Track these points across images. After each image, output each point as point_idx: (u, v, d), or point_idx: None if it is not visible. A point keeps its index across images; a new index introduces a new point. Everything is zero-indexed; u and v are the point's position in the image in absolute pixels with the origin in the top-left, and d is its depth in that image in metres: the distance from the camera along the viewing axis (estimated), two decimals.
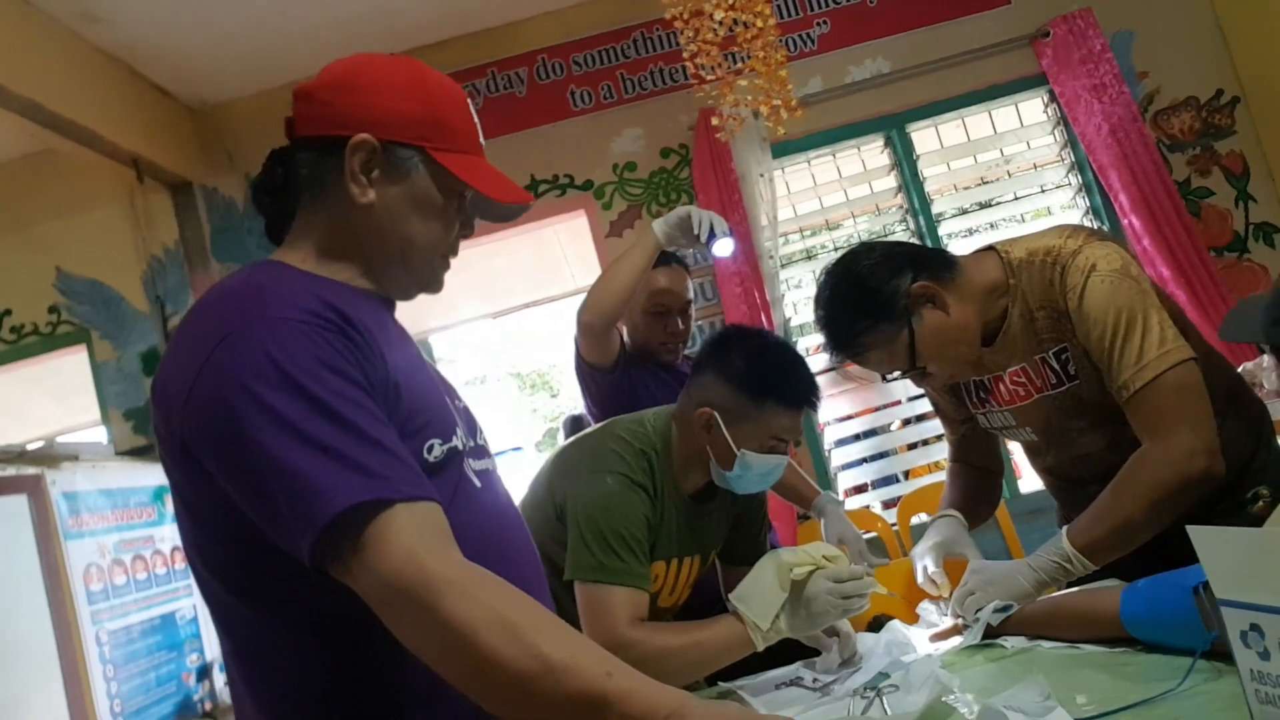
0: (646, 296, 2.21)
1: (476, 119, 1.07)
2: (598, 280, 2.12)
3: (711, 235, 2.04)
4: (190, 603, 2.90)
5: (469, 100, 1.07)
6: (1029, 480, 3.56)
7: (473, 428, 1.09)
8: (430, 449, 0.95)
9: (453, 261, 1.10)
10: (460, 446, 0.99)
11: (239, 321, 0.88)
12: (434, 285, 1.09)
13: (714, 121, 2.85)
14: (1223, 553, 0.78)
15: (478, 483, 1.02)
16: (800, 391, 1.49)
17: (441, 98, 1.03)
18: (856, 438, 3.76)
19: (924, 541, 1.64)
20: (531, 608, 0.84)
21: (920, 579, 1.59)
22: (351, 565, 0.82)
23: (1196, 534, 0.79)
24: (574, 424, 4.81)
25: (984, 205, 3.92)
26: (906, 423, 3.85)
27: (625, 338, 2.30)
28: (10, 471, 2.33)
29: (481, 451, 1.08)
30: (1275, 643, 0.73)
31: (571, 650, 0.81)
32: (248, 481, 0.85)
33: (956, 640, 1.42)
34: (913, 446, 3.82)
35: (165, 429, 0.91)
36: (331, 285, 0.98)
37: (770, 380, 1.47)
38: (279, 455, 0.82)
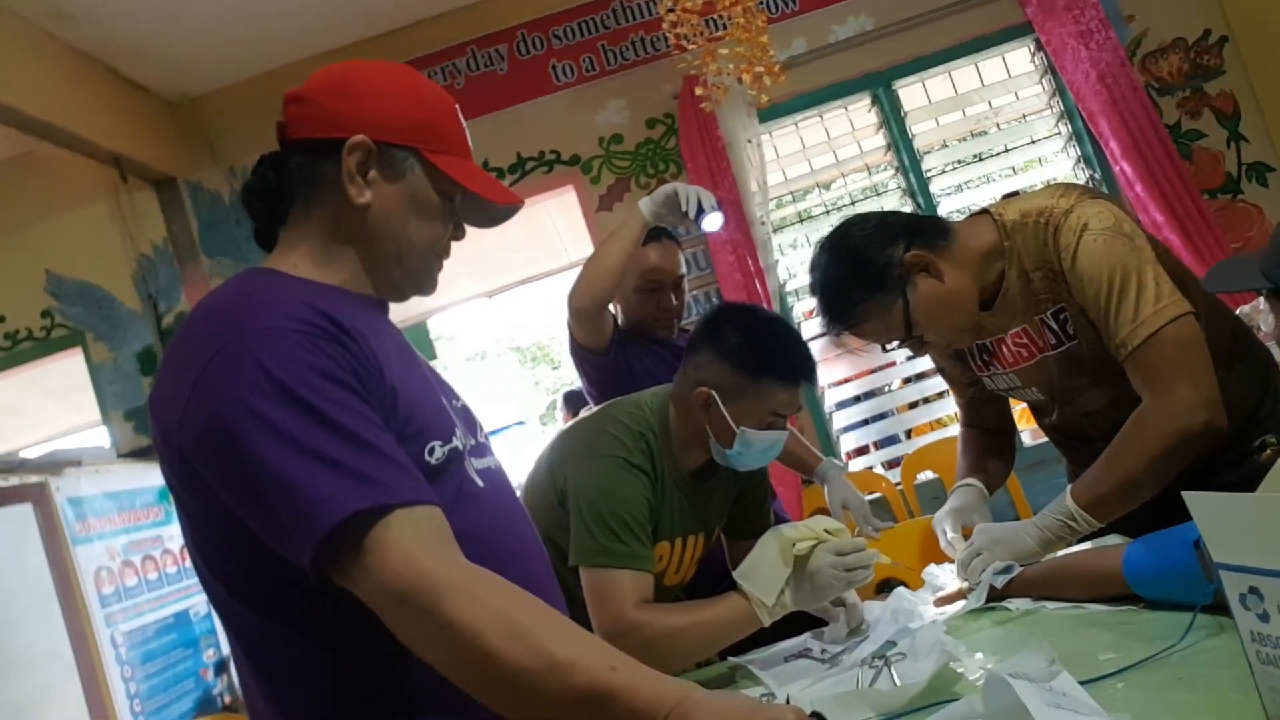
0: (638, 273, 2.20)
1: (465, 125, 1.08)
2: (586, 263, 2.11)
3: (700, 211, 2.03)
4: (203, 599, 2.91)
5: (457, 107, 1.08)
6: (1031, 433, 3.57)
7: (472, 426, 1.10)
8: (431, 451, 0.96)
9: None
10: (460, 446, 1.00)
11: (231, 334, 0.88)
12: (428, 286, 1.10)
13: (698, 91, 2.82)
14: (1219, 517, 0.78)
15: (480, 482, 1.02)
16: (797, 366, 1.49)
17: (434, 102, 1.05)
18: (856, 400, 3.77)
19: (944, 509, 1.66)
20: (533, 606, 0.85)
21: (943, 544, 1.61)
22: (353, 573, 0.83)
23: (1192, 499, 0.79)
24: (573, 398, 4.82)
25: (976, 158, 3.90)
26: (906, 381, 3.85)
27: (620, 316, 2.29)
28: (14, 481, 2.33)
29: (483, 449, 1.08)
30: (1274, 605, 0.74)
31: (575, 646, 0.82)
32: (247, 493, 0.86)
33: (962, 604, 1.44)
34: (913, 405, 3.82)
35: (164, 443, 0.92)
36: (324, 291, 0.98)
37: (766, 357, 1.47)
38: (276, 466, 0.83)
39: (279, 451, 0.83)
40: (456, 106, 1.08)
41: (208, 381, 0.86)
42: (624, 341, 2.21)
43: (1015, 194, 2.98)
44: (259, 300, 0.93)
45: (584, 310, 2.10)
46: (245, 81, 3.74)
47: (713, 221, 2.09)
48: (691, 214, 2.02)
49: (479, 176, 1.06)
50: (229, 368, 0.86)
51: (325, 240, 1.02)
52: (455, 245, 1.11)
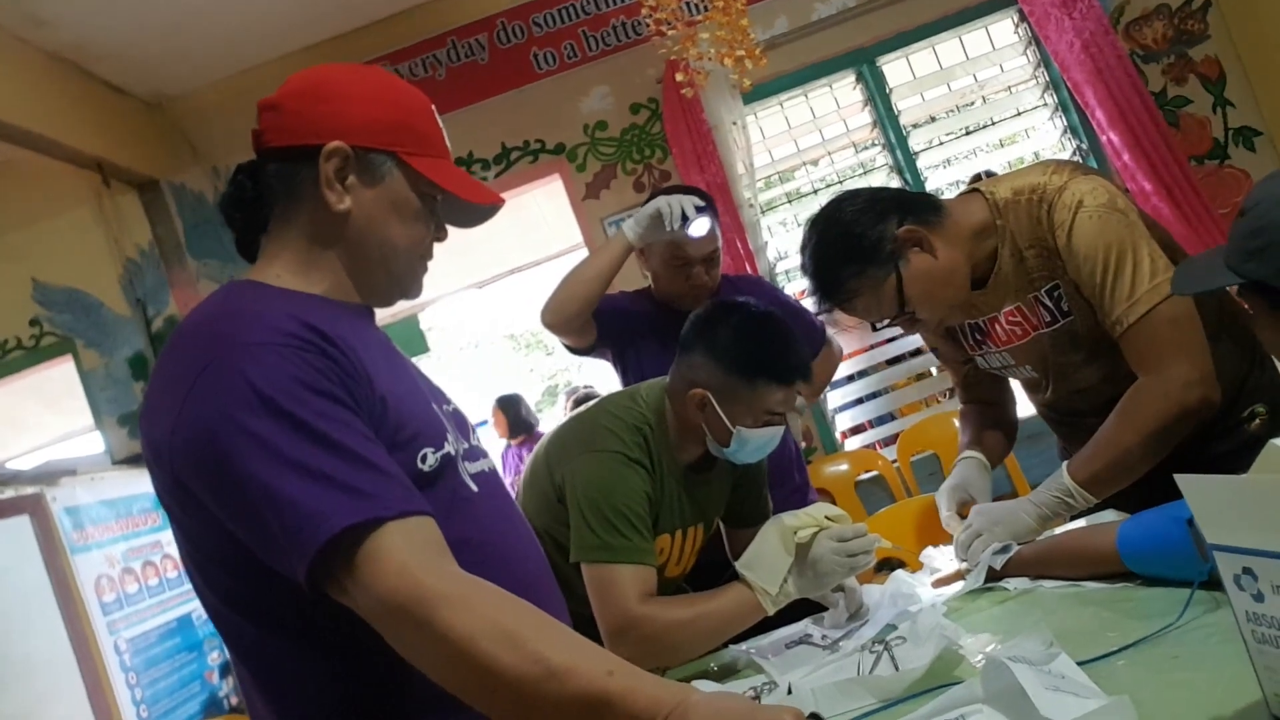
0: (666, 248, 2.15)
1: (442, 124, 1.07)
2: (562, 281, 2.13)
3: (685, 219, 2.02)
4: None
5: (433, 106, 1.07)
6: (1026, 406, 3.57)
7: (464, 429, 1.10)
8: (424, 458, 0.96)
9: None
10: (453, 452, 1.00)
11: (217, 350, 0.88)
12: (414, 289, 1.09)
13: (678, 78, 2.79)
14: (1212, 499, 0.78)
15: (474, 486, 1.02)
16: (791, 366, 1.48)
17: (410, 104, 1.04)
18: (850, 379, 3.77)
19: (945, 484, 1.66)
20: (528, 613, 0.85)
21: (944, 521, 1.61)
22: (347, 586, 0.83)
23: (1184, 482, 0.79)
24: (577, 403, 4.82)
25: (963, 132, 3.88)
26: (901, 359, 3.85)
27: (650, 286, 2.28)
28: (9, 493, 2.33)
29: (476, 453, 1.08)
30: (1269, 585, 0.74)
31: (571, 652, 0.82)
32: (239, 510, 0.86)
33: (960, 585, 1.44)
34: (908, 382, 3.82)
35: (155, 460, 0.92)
36: (309, 301, 0.98)
37: (760, 358, 1.46)
38: (267, 482, 0.83)
39: (269, 467, 0.83)
40: (432, 107, 1.07)
41: (195, 399, 0.86)
42: (630, 331, 2.21)
43: (991, 173, 2.97)
44: (244, 315, 0.93)
45: (554, 326, 2.15)
46: (224, 80, 3.70)
47: (700, 226, 2.07)
48: (677, 225, 2.01)
49: (458, 177, 1.05)
50: (216, 384, 0.86)
51: (307, 248, 1.01)
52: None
